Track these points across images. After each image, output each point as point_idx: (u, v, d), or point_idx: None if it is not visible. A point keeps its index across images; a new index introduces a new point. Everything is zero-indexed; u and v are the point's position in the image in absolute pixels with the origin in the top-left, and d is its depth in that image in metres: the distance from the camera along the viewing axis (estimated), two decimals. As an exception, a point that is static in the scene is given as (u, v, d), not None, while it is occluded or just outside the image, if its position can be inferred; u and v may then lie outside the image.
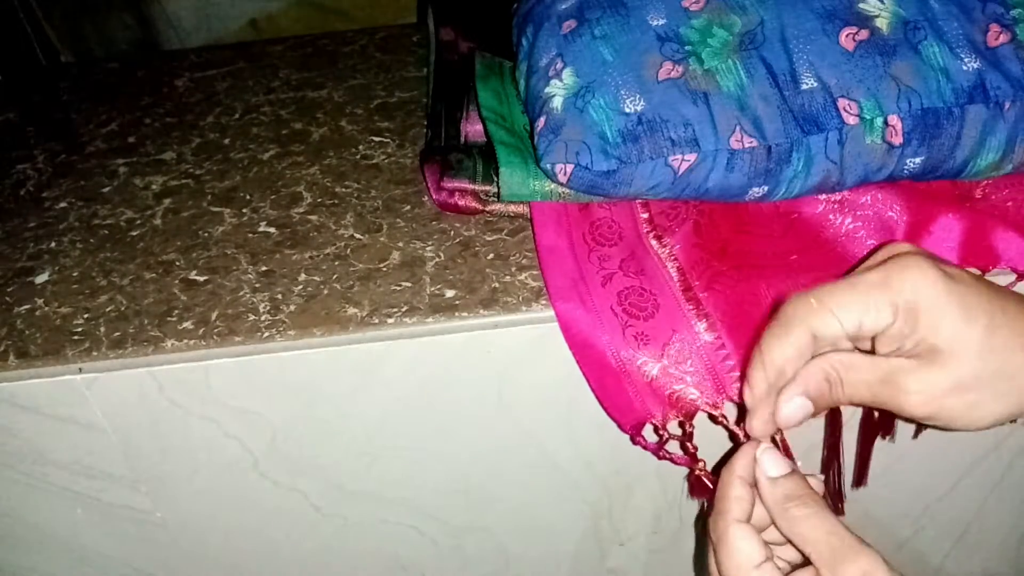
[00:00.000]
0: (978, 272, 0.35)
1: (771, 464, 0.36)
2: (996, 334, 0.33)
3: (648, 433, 0.45)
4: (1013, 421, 0.35)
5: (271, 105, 0.66)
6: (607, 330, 0.43)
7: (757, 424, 0.37)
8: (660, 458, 0.44)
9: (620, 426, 0.44)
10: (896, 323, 0.34)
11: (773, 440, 0.39)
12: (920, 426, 0.50)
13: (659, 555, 0.59)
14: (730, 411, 0.45)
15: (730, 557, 0.35)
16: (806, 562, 0.35)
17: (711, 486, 0.42)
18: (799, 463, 0.39)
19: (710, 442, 0.45)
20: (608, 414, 0.45)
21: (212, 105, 0.66)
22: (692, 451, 0.44)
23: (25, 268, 0.52)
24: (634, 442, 0.44)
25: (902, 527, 0.60)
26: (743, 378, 0.38)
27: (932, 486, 0.57)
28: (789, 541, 0.35)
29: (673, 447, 0.45)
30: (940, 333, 0.33)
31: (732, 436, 0.46)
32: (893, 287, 0.33)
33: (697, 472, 0.44)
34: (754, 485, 0.37)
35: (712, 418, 0.44)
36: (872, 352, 0.36)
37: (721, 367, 0.43)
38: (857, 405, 0.37)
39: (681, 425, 0.44)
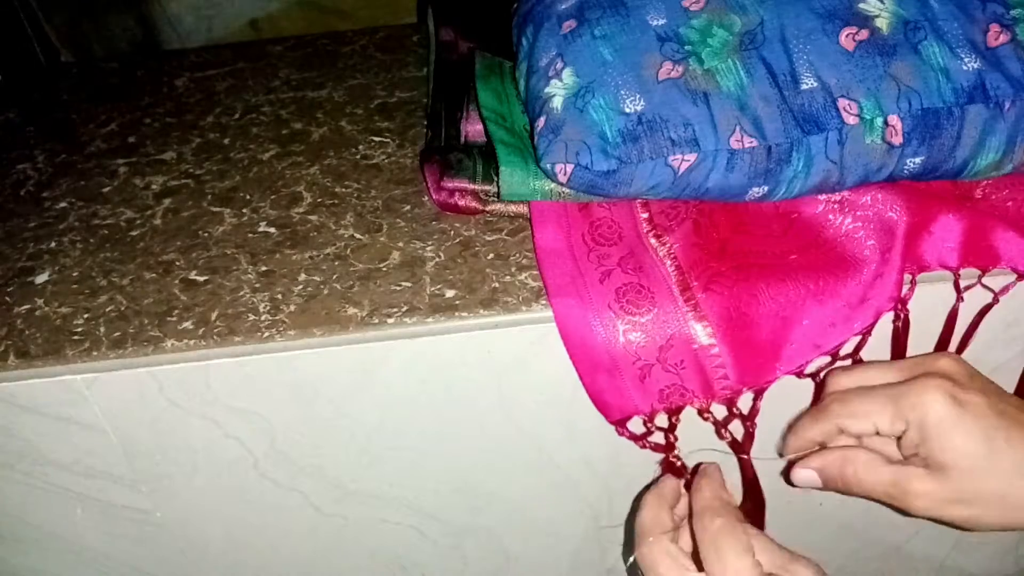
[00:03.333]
0: (1001, 398, 0.40)
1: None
2: (998, 459, 0.38)
3: (635, 423, 0.46)
4: None
5: (271, 105, 0.66)
6: (603, 326, 0.44)
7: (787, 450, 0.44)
8: (642, 447, 0.46)
9: (606, 417, 0.46)
10: (908, 433, 0.39)
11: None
12: None
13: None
14: (717, 408, 0.45)
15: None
16: None
17: (682, 471, 0.46)
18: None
19: (696, 429, 0.46)
20: (596, 407, 0.45)
21: (212, 105, 0.66)
22: (672, 440, 0.46)
23: (25, 268, 0.52)
24: (619, 432, 0.46)
25: (902, 527, 0.60)
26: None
27: (932, 486, 0.57)
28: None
29: (657, 438, 0.46)
30: (945, 452, 0.38)
31: (718, 431, 0.46)
32: (906, 405, 0.39)
33: (670, 459, 0.46)
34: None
35: (700, 412, 0.45)
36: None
37: (712, 371, 0.44)
38: (867, 498, 0.42)
39: (668, 417, 0.45)
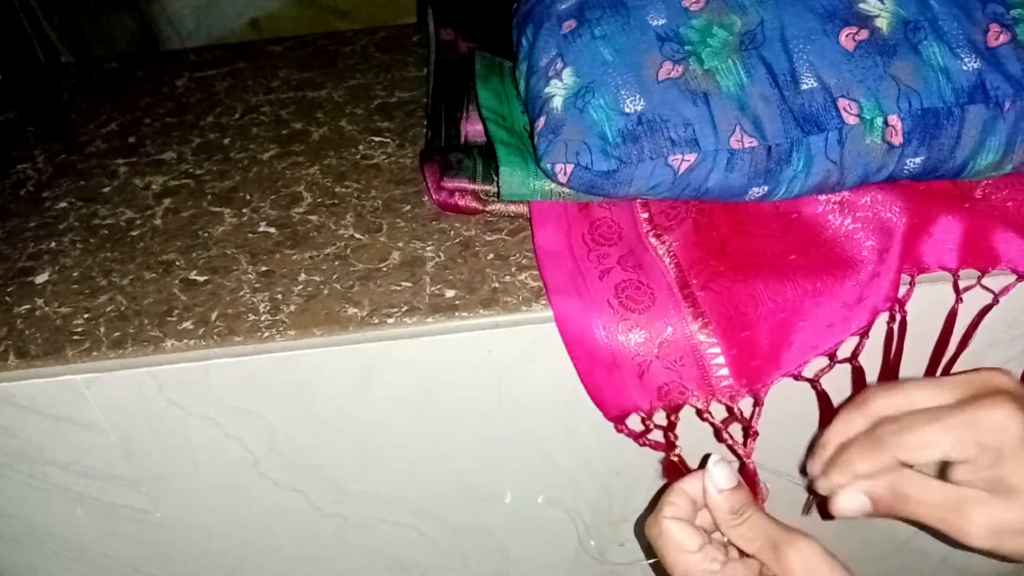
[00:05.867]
0: None
1: (721, 477, 0.40)
2: None
3: (634, 421, 0.46)
4: None
5: (271, 105, 0.66)
6: (602, 322, 0.44)
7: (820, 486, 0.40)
8: (641, 445, 0.46)
9: (604, 413, 0.45)
10: (979, 459, 0.36)
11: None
12: None
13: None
14: (716, 408, 0.45)
15: (669, 547, 0.39)
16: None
17: (684, 470, 0.45)
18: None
19: (694, 428, 0.46)
20: (594, 403, 0.45)
21: (212, 105, 0.66)
22: (672, 439, 0.46)
23: (25, 268, 0.52)
24: (617, 429, 0.46)
25: (902, 526, 0.60)
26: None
27: (932, 486, 0.57)
28: (734, 545, 0.39)
29: (656, 436, 0.46)
30: (1018, 474, 0.35)
31: (717, 432, 0.46)
32: (981, 427, 0.36)
33: (671, 457, 0.46)
34: (697, 502, 0.40)
35: (698, 413, 0.45)
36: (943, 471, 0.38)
37: (711, 368, 0.44)
38: (918, 525, 0.39)
39: (667, 416, 0.45)
